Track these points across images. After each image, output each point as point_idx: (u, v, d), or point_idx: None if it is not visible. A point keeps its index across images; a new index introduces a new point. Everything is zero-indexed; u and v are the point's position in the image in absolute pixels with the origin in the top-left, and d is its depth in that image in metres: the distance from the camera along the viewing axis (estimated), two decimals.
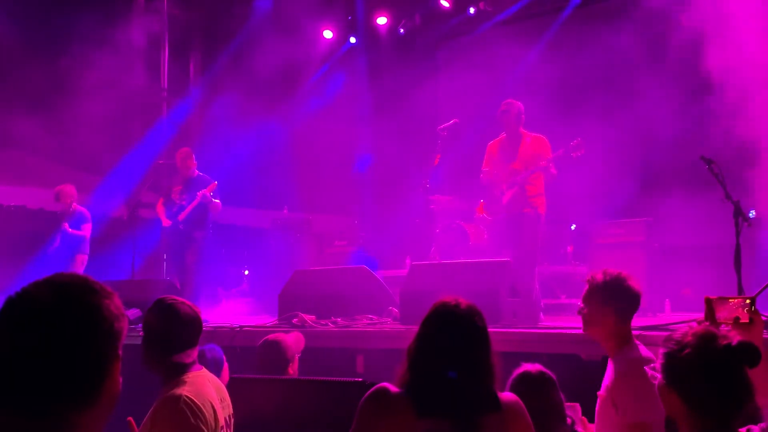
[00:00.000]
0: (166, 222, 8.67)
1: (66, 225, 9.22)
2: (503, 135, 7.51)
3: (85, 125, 10.41)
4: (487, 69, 12.39)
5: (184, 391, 3.09)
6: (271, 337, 4.62)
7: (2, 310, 1.50)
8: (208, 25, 12.82)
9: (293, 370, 4.50)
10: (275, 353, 4.46)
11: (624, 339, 3.52)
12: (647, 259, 8.35)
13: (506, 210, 7.30)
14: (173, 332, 3.24)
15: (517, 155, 7.30)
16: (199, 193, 8.41)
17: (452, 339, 2.62)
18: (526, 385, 3.23)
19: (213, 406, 3.15)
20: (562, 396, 3.32)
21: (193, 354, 3.29)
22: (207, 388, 3.21)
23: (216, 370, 4.15)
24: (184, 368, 3.21)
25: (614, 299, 3.50)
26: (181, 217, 8.55)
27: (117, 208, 11.57)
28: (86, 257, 9.39)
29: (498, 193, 7.39)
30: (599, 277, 3.56)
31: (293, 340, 4.64)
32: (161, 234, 8.96)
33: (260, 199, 12.60)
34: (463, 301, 2.73)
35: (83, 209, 9.49)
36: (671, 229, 8.73)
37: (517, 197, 7.22)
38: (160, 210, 8.83)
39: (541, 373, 3.31)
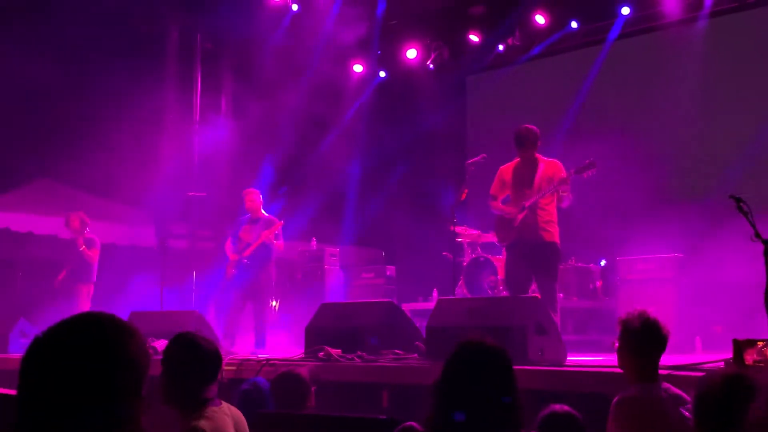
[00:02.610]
0: (233, 256, 9.07)
1: (81, 240, 9.33)
2: (517, 159, 7.31)
3: (118, 157, 10.58)
4: (516, 103, 12.43)
5: (201, 424, 3.14)
6: (286, 370, 4.65)
7: (28, 350, 1.52)
8: (240, 59, 13.00)
9: (311, 403, 4.48)
10: (292, 386, 4.46)
11: (642, 378, 3.58)
12: (677, 296, 8.26)
13: (517, 235, 7.08)
14: (196, 367, 3.29)
15: (533, 180, 7.09)
16: (263, 233, 8.87)
17: (477, 379, 2.60)
18: (553, 425, 3.20)
19: None
20: None
21: (213, 389, 3.33)
22: (226, 423, 3.24)
23: (266, 402, 4.20)
24: (204, 403, 3.26)
25: (638, 342, 3.61)
26: (246, 253, 8.97)
27: (147, 238, 11.68)
28: (92, 287, 9.48)
29: (508, 217, 7.19)
30: (628, 317, 3.69)
31: (309, 373, 4.63)
32: (226, 268, 9.28)
33: (288, 231, 12.66)
34: (489, 340, 2.71)
35: (93, 236, 9.60)
36: (702, 265, 8.62)
37: (528, 222, 7.01)
38: (228, 247, 9.24)
39: (569, 414, 3.29)
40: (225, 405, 3.38)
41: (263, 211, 9.30)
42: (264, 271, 9.07)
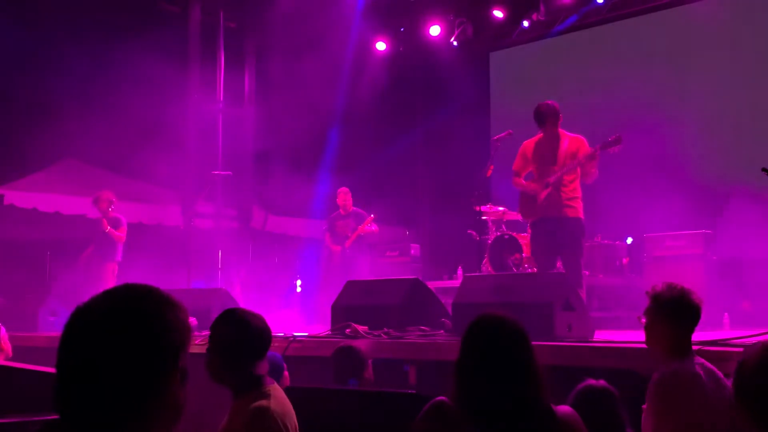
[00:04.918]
0: (335, 248, 10.49)
1: (105, 221, 9.43)
2: (540, 134, 7.20)
3: (143, 136, 10.62)
4: (541, 80, 12.32)
5: (271, 404, 3.09)
6: (342, 344, 4.80)
7: (67, 322, 1.52)
8: (263, 37, 12.98)
9: (368, 374, 4.59)
10: (349, 358, 4.56)
11: (677, 353, 3.47)
12: (705, 272, 8.19)
13: (542, 212, 7.01)
14: (248, 342, 3.23)
15: (557, 156, 7.00)
16: (359, 228, 10.33)
17: (493, 352, 2.59)
18: (589, 398, 3.19)
19: (292, 415, 3.17)
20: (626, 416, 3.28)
21: (265, 366, 3.28)
22: (287, 400, 3.22)
23: (277, 376, 4.21)
24: (260, 380, 3.20)
25: (671, 313, 3.48)
26: (347, 244, 10.41)
27: (173, 218, 11.76)
28: (117, 266, 9.58)
29: (531, 194, 7.12)
30: (659, 289, 3.55)
31: (364, 346, 4.83)
32: (327, 255, 10.79)
33: (311, 209, 12.69)
34: (504, 314, 2.69)
35: (120, 215, 9.68)
36: (730, 241, 8.54)
37: (552, 199, 6.93)
38: (328, 239, 10.65)
39: (605, 388, 3.27)
40: (275, 383, 3.35)
41: (353, 206, 10.57)
42: (362, 256, 10.52)
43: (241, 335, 3.23)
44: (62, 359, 1.50)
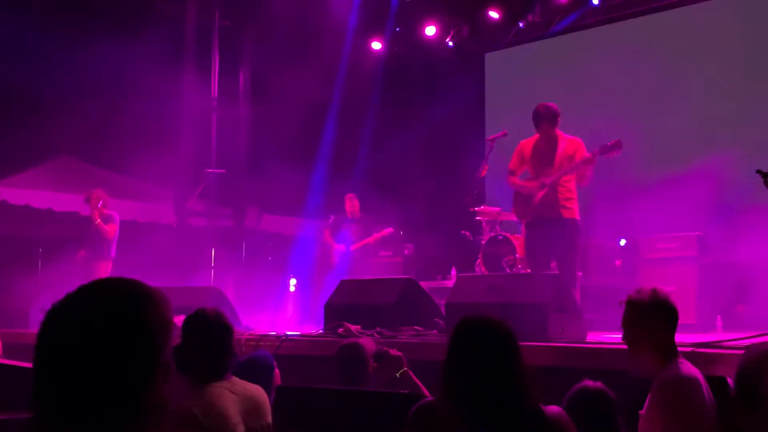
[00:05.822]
0: (337, 247, 10.69)
1: (96, 213, 9.37)
2: (537, 135, 7.19)
3: (137, 134, 10.60)
4: (537, 81, 12.32)
5: (191, 403, 3.13)
6: (347, 341, 4.83)
7: (45, 316, 1.49)
8: (258, 36, 12.96)
9: (371, 371, 4.59)
10: (355, 354, 4.57)
11: (668, 356, 3.45)
12: (698, 275, 8.17)
13: (537, 212, 7.00)
14: (194, 343, 3.28)
15: (553, 158, 6.99)
16: (375, 234, 10.67)
17: (476, 354, 2.58)
18: (584, 399, 3.18)
19: (227, 418, 3.16)
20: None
21: (220, 363, 3.32)
22: (223, 400, 3.22)
23: (267, 376, 4.20)
24: (206, 379, 3.25)
25: (647, 316, 3.47)
26: (353, 248, 10.67)
27: (167, 215, 11.73)
28: (111, 264, 9.54)
29: (526, 194, 7.11)
30: (635, 296, 3.55)
31: (367, 343, 4.80)
32: (323, 253, 11.11)
33: (306, 208, 12.66)
34: (489, 315, 2.68)
35: (112, 212, 9.63)
36: (724, 243, 8.53)
37: (549, 199, 6.91)
38: (328, 236, 10.90)
39: (601, 389, 3.26)
40: (235, 380, 3.35)
41: (360, 212, 10.83)
42: (362, 259, 10.73)
43: (195, 331, 3.32)
44: (39, 358, 1.46)
